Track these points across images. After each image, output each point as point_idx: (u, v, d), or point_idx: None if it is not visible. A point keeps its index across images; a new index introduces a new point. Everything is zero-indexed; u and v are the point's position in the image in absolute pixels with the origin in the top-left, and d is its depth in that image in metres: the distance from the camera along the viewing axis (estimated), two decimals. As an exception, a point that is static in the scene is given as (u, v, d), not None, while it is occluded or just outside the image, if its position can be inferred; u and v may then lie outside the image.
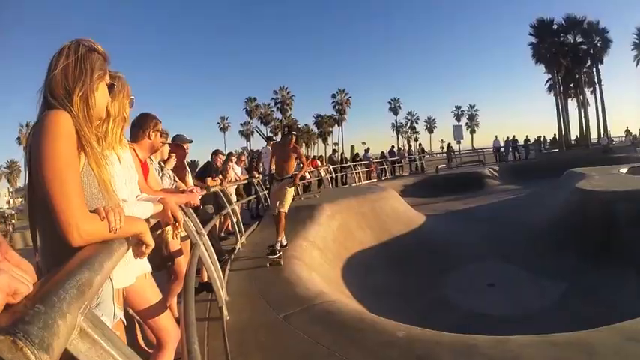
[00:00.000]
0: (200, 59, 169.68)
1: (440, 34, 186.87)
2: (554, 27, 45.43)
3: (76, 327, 0.83)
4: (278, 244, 6.45)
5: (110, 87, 1.67)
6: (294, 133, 7.03)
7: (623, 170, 15.38)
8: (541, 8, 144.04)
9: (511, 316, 6.98)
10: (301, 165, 7.17)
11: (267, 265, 6.03)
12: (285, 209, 6.67)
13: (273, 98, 76.77)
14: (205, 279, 4.57)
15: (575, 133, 47.14)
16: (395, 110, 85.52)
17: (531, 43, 46.52)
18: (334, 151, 26.94)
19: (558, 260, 9.25)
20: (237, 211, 8.35)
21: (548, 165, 24.50)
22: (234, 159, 10.73)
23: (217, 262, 4.30)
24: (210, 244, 4.06)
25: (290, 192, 6.76)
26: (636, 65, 45.62)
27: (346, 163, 22.93)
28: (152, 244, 1.69)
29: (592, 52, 44.71)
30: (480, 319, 6.90)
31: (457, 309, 7.57)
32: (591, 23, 44.43)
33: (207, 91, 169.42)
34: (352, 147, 28.48)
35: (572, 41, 45.40)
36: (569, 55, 44.86)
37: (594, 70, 45.83)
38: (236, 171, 10.53)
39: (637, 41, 45.06)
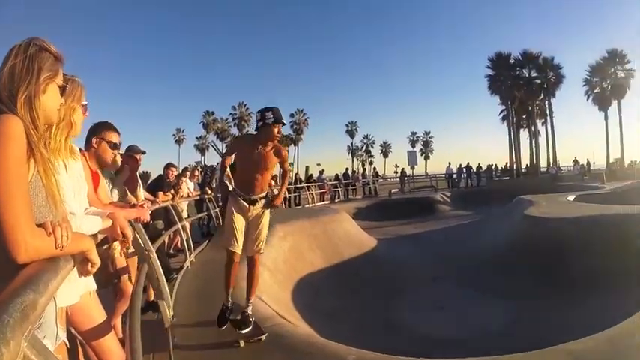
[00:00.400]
0: (159, 68, 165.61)
1: (400, 60, 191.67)
2: (511, 61, 48.44)
3: (20, 354, 0.78)
4: (250, 308, 4.28)
5: (62, 89, 1.59)
6: (282, 121, 4.15)
7: (571, 198, 16.12)
8: (500, 42, 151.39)
9: (461, 339, 7.10)
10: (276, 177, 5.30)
11: (241, 344, 4.00)
12: (263, 249, 4.38)
13: (231, 114, 75.70)
14: (152, 298, 4.43)
15: (526, 162, 49.87)
16: (351, 133, 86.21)
17: (488, 75, 49.44)
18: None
19: (507, 284, 9.53)
20: (188, 227, 8.16)
21: (499, 192, 25.34)
22: (188, 174, 10.56)
23: (165, 280, 4.17)
24: (158, 262, 3.94)
25: (267, 219, 4.40)
26: (587, 100, 47.92)
27: (300, 183, 22.94)
28: (98, 262, 1.62)
29: (545, 86, 47.81)
30: (430, 341, 7.00)
31: (408, 332, 7.64)
32: (546, 59, 47.68)
33: (165, 101, 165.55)
34: (307, 167, 28.66)
35: (527, 75, 48.42)
36: (523, 88, 47.78)
37: (547, 102, 48.84)
38: (189, 186, 10.35)
39: (588, 77, 47.41)
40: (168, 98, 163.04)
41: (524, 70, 48.56)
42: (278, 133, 4.10)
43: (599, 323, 3.97)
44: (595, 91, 46.89)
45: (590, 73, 47.28)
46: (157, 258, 3.90)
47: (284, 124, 4.18)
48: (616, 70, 45.43)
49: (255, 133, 4.18)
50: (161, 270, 4.01)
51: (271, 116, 4.00)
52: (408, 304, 9.14)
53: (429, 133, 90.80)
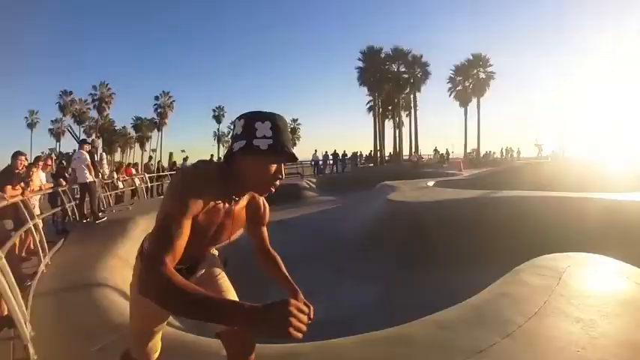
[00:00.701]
0: (7, 39, 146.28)
1: (269, 46, 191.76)
2: (382, 55, 52.05)
3: None
4: None
5: None
6: (290, 150, 1.65)
7: (431, 183, 17.52)
8: (374, 36, 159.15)
9: (331, 321, 7.35)
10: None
11: None
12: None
13: (91, 94, 69.44)
14: (5, 312, 4.05)
15: (389, 150, 54.21)
16: (218, 118, 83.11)
17: (359, 67, 52.33)
18: (150, 157, 25.85)
19: (373, 265, 10.16)
20: (41, 226, 7.49)
21: (363, 178, 26.86)
22: (40, 164, 9.67)
23: (18, 289, 3.85)
24: (8, 269, 3.63)
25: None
26: (449, 96, 54.86)
27: (163, 171, 21.94)
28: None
29: (412, 81, 52.72)
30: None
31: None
32: (415, 56, 52.54)
33: (15, 79, 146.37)
34: (170, 154, 27.54)
35: (396, 70, 52.73)
36: (391, 82, 51.85)
37: (412, 96, 53.72)
38: (41, 177, 9.51)
39: (452, 76, 54.40)
40: (20, 75, 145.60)
41: (393, 65, 52.67)
42: (278, 176, 1.74)
43: (461, 296, 4.45)
44: (458, 88, 53.92)
45: (454, 72, 54.33)
46: (6, 264, 3.59)
47: (293, 159, 1.72)
48: (478, 71, 52.75)
49: (223, 165, 1.75)
50: (12, 278, 3.71)
51: (269, 135, 1.63)
52: (278, 291, 9.27)
53: (297, 120, 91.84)
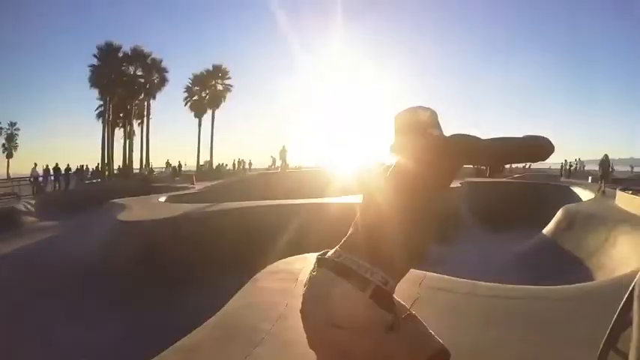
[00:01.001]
0: None
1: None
2: (120, 54, 47.88)
3: None
4: None
5: None
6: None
7: (162, 199, 17.27)
8: (113, 33, 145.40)
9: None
10: None
11: None
12: None
13: None
14: None
15: (119, 162, 50.49)
16: None
17: (93, 65, 47.00)
18: None
19: (110, 295, 9.63)
20: None
21: (91, 196, 25.03)
22: None
23: None
24: None
25: None
26: (185, 105, 54.13)
27: None
28: None
29: (148, 86, 49.89)
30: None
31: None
32: (155, 60, 49.81)
33: None
34: None
35: (132, 72, 49.22)
36: (126, 86, 48.24)
37: (146, 103, 50.84)
38: None
39: (190, 85, 53.81)
40: None
41: (130, 67, 49.00)
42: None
43: (205, 312, 4.45)
44: (194, 98, 53.63)
45: (192, 81, 53.89)
46: None
47: None
48: (217, 82, 53.73)
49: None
50: None
51: None
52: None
53: (16, 124, 77.19)
